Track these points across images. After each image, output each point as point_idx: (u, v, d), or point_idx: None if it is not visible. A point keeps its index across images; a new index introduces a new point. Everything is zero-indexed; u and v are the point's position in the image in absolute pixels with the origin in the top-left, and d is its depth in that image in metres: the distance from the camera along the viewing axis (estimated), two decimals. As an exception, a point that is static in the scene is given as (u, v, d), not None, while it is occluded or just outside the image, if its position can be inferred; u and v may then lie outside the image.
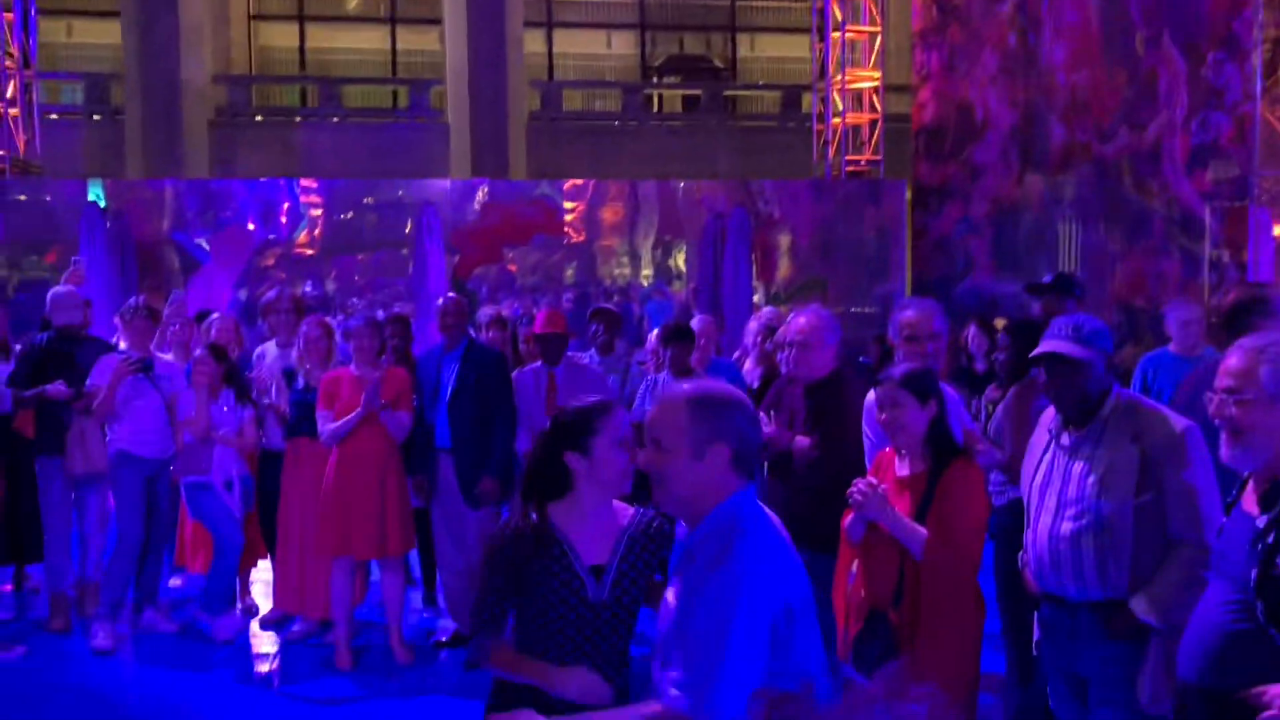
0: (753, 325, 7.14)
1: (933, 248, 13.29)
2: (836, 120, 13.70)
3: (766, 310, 8.05)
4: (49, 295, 6.74)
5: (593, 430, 2.65)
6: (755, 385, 6.67)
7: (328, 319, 6.89)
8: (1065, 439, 3.35)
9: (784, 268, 12.87)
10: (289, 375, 6.38)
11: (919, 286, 12.84)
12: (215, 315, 7.60)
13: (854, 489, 3.53)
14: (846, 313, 11.93)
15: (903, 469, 3.61)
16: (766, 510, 2.40)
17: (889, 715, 0.75)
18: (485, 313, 7.07)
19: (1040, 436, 3.50)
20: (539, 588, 2.65)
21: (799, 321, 4.64)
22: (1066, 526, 3.27)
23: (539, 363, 6.22)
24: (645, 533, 2.76)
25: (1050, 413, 3.47)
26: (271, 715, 5.34)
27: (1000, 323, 5.74)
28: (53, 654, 6.14)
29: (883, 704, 0.76)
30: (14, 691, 5.60)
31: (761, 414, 4.77)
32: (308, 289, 12.08)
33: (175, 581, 7.23)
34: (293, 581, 6.32)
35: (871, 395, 4.33)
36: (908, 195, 13.39)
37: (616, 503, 2.79)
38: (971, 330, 6.22)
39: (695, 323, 6.95)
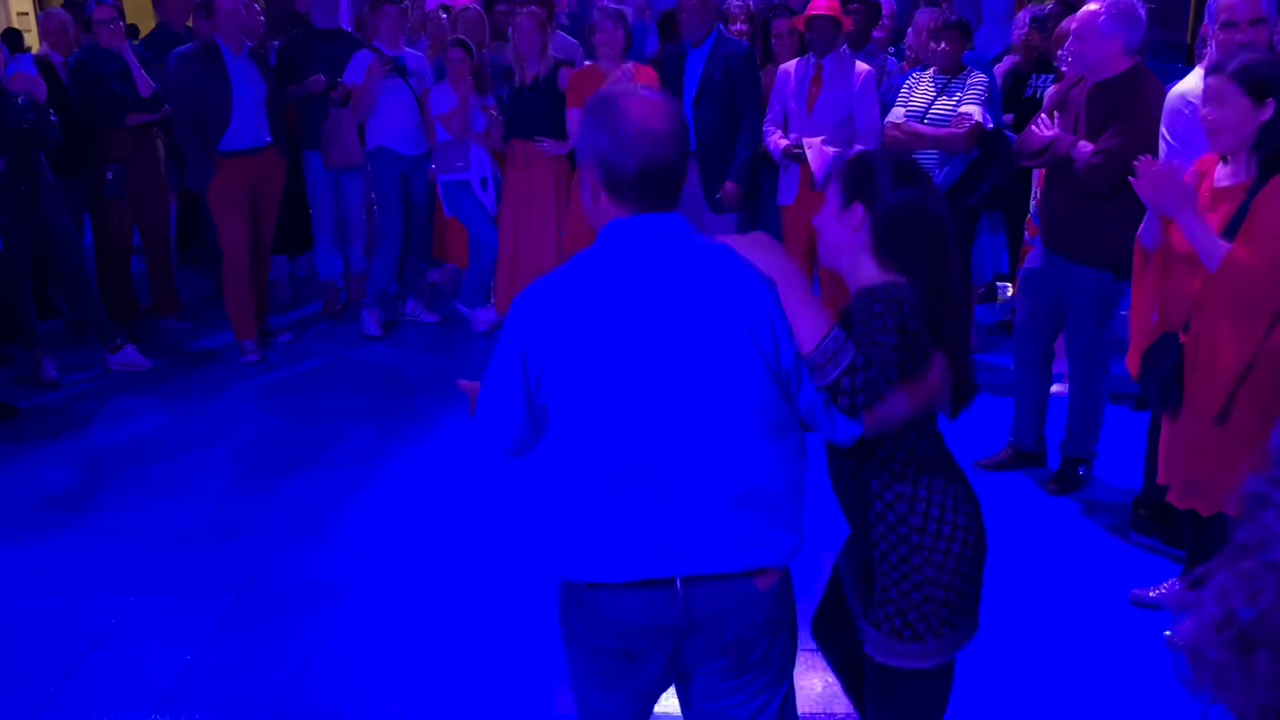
0: (1023, 15, 6.51)
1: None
2: None
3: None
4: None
5: None
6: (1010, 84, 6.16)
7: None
8: None
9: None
10: (507, 73, 6.27)
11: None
12: (463, 7, 7.49)
13: (1142, 161, 3.16)
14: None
15: (1223, 178, 3.18)
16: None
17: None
18: (732, 3, 6.67)
19: None
20: None
21: (1090, 9, 4.11)
22: None
23: (806, 56, 5.67)
24: None
25: None
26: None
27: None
28: (324, 339, 6.62)
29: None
30: (291, 370, 6.10)
31: (1043, 116, 4.37)
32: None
33: (432, 276, 7.58)
34: (503, 280, 6.39)
35: (1181, 88, 3.87)
36: None
37: None
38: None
39: None
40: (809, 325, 1.89)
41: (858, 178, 2.13)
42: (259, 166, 6.00)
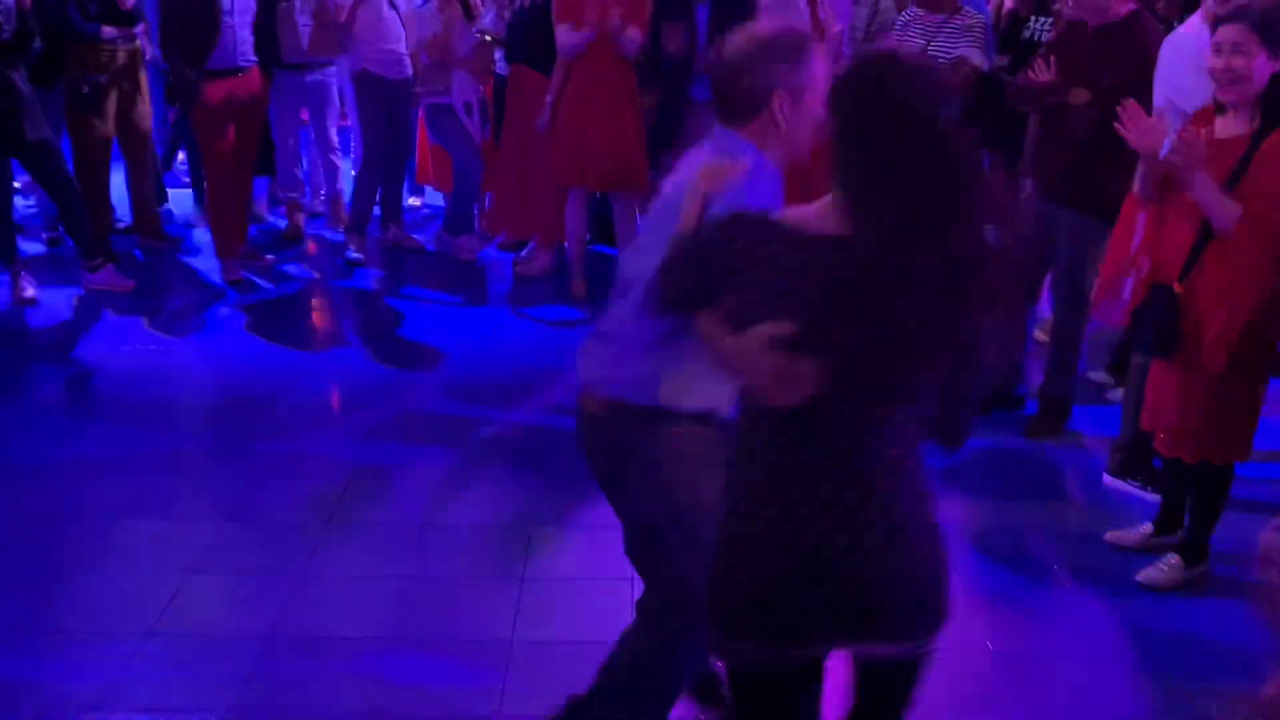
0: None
1: None
2: None
3: None
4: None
5: None
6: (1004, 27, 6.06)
7: None
8: None
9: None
10: None
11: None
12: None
13: (1180, 136, 3.11)
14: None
15: (1224, 129, 3.15)
16: None
17: None
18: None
19: None
20: None
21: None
22: None
23: None
24: None
25: None
26: (508, 332, 5.61)
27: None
28: (306, 262, 6.56)
29: None
30: (275, 293, 6.06)
31: (1039, 60, 4.34)
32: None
33: (414, 201, 7.51)
34: (510, 207, 6.29)
35: (1179, 34, 3.85)
36: None
37: None
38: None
39: None
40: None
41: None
42: (245, 85, 5.90)
